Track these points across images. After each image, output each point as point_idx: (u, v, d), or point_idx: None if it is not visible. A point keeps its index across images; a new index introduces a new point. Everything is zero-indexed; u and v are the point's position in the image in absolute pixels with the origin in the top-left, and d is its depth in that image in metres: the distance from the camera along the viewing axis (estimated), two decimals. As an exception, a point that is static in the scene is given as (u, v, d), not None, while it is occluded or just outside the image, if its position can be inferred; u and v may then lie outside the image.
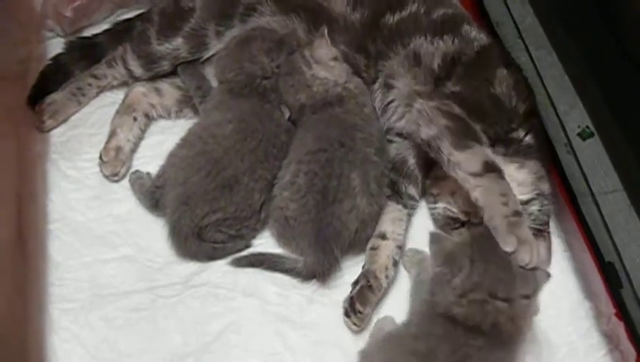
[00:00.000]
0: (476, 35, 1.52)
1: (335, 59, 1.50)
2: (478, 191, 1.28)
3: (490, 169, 1.29)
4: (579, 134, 1.46)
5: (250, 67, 1.50)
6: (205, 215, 1.38)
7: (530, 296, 1.15)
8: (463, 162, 1.31)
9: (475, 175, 1.29)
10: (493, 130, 1.40)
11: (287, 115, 1.50)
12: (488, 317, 1.13)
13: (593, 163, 1.41)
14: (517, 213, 1.25)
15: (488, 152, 1.33)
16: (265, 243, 1.44)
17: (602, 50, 1.48)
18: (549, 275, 1.19)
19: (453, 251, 1.18)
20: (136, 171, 1.51)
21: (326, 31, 1.49)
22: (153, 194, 1.44)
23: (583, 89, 1.47)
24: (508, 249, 1.18)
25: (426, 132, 1.37)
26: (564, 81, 1.47)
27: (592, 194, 1.38)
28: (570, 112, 1.45)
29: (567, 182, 1.44)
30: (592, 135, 1.43)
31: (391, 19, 1.51)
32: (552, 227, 1.48)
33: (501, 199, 1.26)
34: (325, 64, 1.49)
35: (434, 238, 1.22)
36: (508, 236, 1.20)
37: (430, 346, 1.13)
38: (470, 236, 1.25)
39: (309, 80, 1.49)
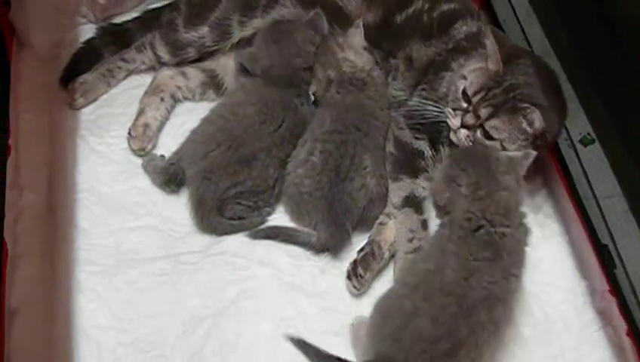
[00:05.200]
0: (459, 32, 1.56)
1: (365, 49, 1.59)
2: (393, 220, 1.47)
3: (409, 204, 1.47)
4: (580, 140, 1.55)
5: (298, 60, 1.57)
6: (227, 188, 1.46)
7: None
8: (391, 191, 1.50)
9: (394, 205, 1.49)
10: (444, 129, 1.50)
11: (312, 98, 1.57)
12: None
13: (593, 168, 1.51)
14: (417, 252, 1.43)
15: (415, 187, 1.49)
16: (278, 217, 1.52)
17: (604, 59, 1.56)
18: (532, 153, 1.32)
19: (444, 173, 1.33)
20: (150, 154, 1.58)
21: (361, 23, 1.57)
22: (167, 170, 1.51)
23: (584, 98, 1.57)
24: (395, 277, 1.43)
25: (386, 147, 1.54)
26: (568, 89, 1.56)
27: (595, 197, 1.48)
28: (572, 120, 1.54)
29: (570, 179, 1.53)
30: (592, 141, 1.53)
31: (399, 18, 1.59)
32: (552, 214, 1.56)
33: (408, 235, 1.45)
34: (356, 50, 1.58)
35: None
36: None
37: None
38: (450, 155, 1.41)
39: (340, 60, 1.58)
